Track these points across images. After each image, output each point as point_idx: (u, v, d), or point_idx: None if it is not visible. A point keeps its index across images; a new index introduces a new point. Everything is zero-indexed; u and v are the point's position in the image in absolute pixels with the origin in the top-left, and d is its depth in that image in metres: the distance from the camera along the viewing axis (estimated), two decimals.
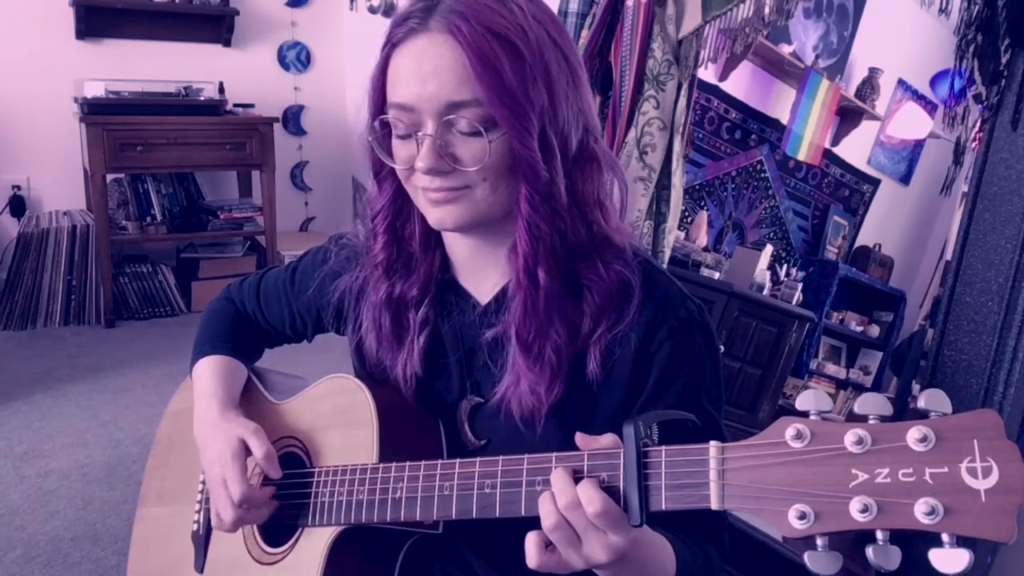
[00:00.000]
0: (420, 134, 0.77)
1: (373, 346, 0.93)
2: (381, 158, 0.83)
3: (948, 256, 2.37)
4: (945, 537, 0.54)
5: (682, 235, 2.95)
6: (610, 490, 0.67)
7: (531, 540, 0.70)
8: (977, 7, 1.27)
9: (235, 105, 3.72)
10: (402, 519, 0.80)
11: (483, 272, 0.90)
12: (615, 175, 0.87)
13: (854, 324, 3.51)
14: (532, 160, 0.77)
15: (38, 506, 2.11)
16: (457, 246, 0.89)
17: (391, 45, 0.79)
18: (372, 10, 3.67)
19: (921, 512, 0.54)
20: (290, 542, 0.91)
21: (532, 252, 0.80)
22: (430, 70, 0.76)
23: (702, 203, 3.22)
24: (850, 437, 0.57)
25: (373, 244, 0.91)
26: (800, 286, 3.04)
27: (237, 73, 3.87)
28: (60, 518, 2.06)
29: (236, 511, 0.89)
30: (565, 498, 0.67)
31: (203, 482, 1.05)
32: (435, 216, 0.81)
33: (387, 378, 0.94)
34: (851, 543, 0.58)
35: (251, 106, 3.79)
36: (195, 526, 1.03)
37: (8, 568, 1.86)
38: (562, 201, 0.80)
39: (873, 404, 0.58)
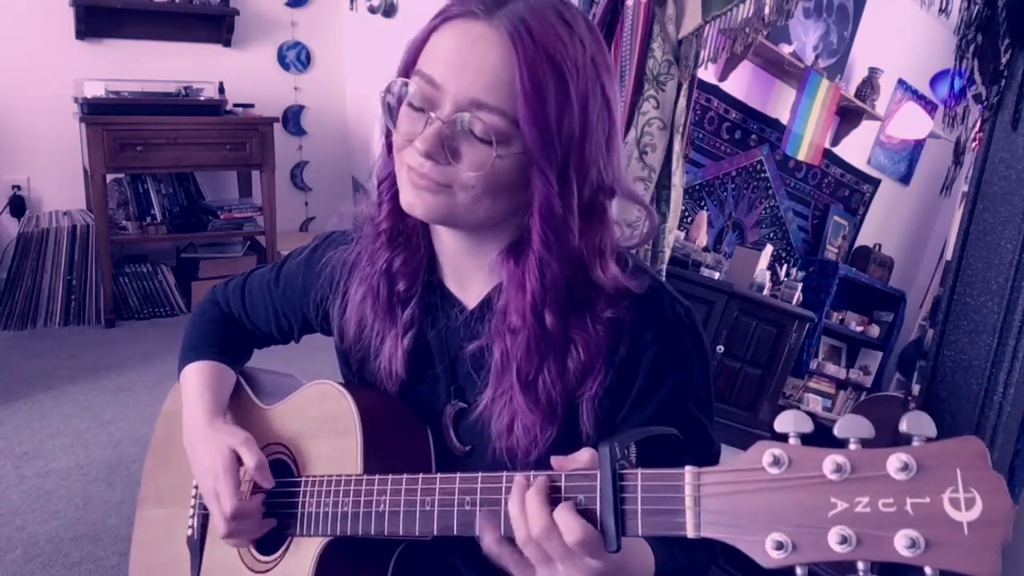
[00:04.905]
0: (433, 116, 0.75)
1: (368, 316, 0.90)
2: (385, 120, 0.81)
3: (948, 256, 2.36)
4: (928, 570, 0.52)
5: (682, 235, 2.95)
6: (586, 512, 0.65)
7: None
8: (977, 7, 1.27)
9: (235, 105, 3.72)
10: (386, 533, 0.79)
11: (468, 275, 0.88)
12: (648, 218, 0.88)
13: (854, 324, 3.51)
14: (549, 193, 0.75)
15: (38, 506, 2.11)
16: (444, 240, 0.88)
17: (444, 17, 0.77)
18: (372, 10, 3.67)
19: (902, 545, 0.52)
20: (280, 550, 0.91)
21: (542, 292, 0.78)
22: (473, 60, 0.73)
23: (702, 203, 3.22)
24: (828, 464, 0.55)
25: (378, 213, 0.88)
26: (800, 286, 3.04)
27: (237, 73, 3.87)
28: (60, 518, 2.06)
29: (230, 524, 0.89)
30: (538, 526, 0.66)
31: (196, 487, 1.04)
32: (408, 199, 0.79)
33: (370, 370, 0.92)
34: (838, 569, 0.56)
35: (251, 106, 3.79)
36: (189, 531, 1.03)
37: (8, 568, 1.86)
38: (574, 243, 0.78)
39: (853, 427, 0.56)
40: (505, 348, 0.81)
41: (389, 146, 0.85)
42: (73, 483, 2.23)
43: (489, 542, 0.70)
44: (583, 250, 0.79)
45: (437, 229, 0.87)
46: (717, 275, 2.80)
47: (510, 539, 0.70)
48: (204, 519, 1.01)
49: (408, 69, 0.79)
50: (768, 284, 2.98)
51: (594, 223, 0.80)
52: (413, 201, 0.78)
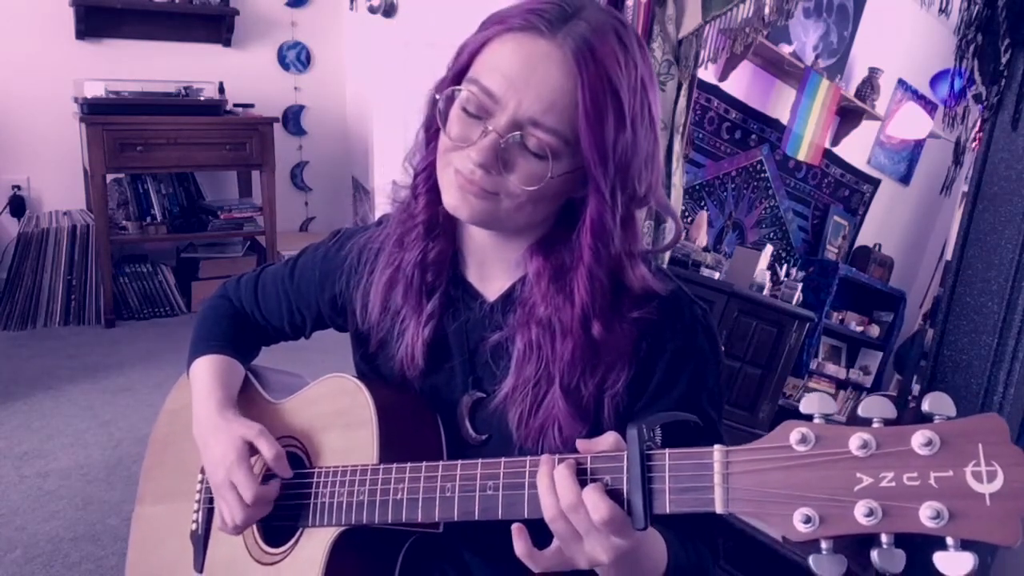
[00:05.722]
0: (489, 127, 0.76)
1: (395, 301, 0.91)
2: (438, 123, 0.81)
3: (948, 256, 2.36)
4: (950, 540, 0.54)
5: (682, 235, 2.94)
6: (613, 492, 0.67)
7: (516, 535, 0.71)
8: (977, 7, 1.27)
9: (235, 105, 3.72)
10: (403, 520, 0.80)
11: (492, 269, 0.90)
12: (675, 223, 0.91)
13: (854, 324, 3.51)
14: (602, 209, 0.78)
15: (38, 506, 2.11)
16: (472, 233, 0.89)
17: (505, 28, 0.77)
18: (372, 10, 3.67)
19: (926, 516, 0.54)
20: (290, 542, 0.91)
21: (591, 303, 0.80)
22: (536, 80, 0.75)
23: (702, 203, 3.23)
24: (855, 441, 0.57)
25: (415, 203, 0.90)
26: (800, 286, 3.05)
27: (237, 73, 3.87)
28: (60, 518, 2.06)
29: (246, 512, 0.89)
30: (567, 500, 0.68)
31: (200, 481, 1.04)
32: (453, 201, 0.80)
33: (390, 354, 0.93)
34: (854, 543, 0.58)
35: (251, 106, 3.79)
36: (193, 525, 1.03)
37: (8, 568, 1.86)
38: (614, 252, 0.80)
39: (878, 407, 0.58)
40: (530, 339, 0.83)
41: (428, 140, 0.87)
42: (73, 483, 2.23)
43: (522, 551, 0.71)
44: (621, 256, 0.81)
45: (467, 224, 0.88)
46: (717, 275, 2.80)
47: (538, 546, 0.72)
48: (209, 513, 1.02)
49: (461, 74, 0.80)
50: (768, 284, 2.98)
51: (628, 230, 0.82)
52: (458, 204, 0.80)
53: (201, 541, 1.01)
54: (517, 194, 0.78)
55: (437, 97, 0.81)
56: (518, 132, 0.75)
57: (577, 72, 0.74)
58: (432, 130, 0.85)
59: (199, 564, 1.01)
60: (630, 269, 0.82)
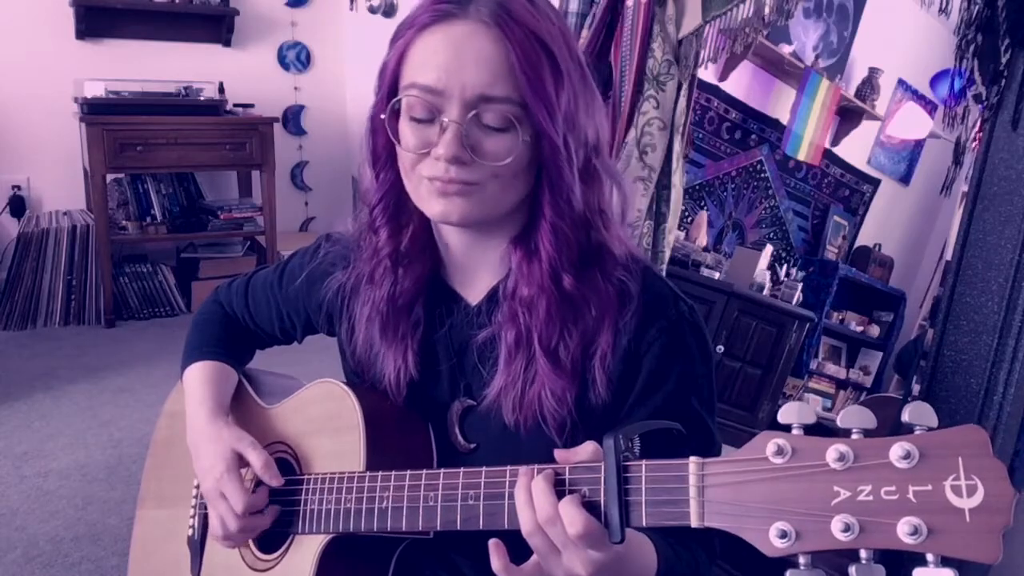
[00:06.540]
0: (445, 120, 0.75)
1: (375, 337, 0.90)
2: (393, 140, 0.80)
3: (948, 256, 2.36)
4: (929, 556, 0.52)
5: (682, 235, 2.95)
6: (591, 504, 0.66)
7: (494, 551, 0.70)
8: (977, 7, 1.27)
9: (235, 105, 3.72)
10: (388, 529, 0.80)
11: (474, 272, 0.89)
12: (617, 186, 0.87)
13: (854, 324, 3.51)
14: (559, 163, 0.77)
15: (38, 506, 2.11)
16: (452, 242, 0.88)
17: (418, 27, 0.77)
18: (372, 10, 3.67)
19: (904, 532, 0.53)
20: (282, 549, 0.91)
21: (558, 256, 0.80)
22: (471, 59, 0.74)
23: (702, 203, 3.23)
24: (832, 453, 0.56)
25: (376, 237, 0.88)
26: (800, 286, 3.04)
27: (237, 73, 3.87)
28: (60, 518, 2.06)
29: (240, 521, 0.89)
30: (544, 513, 0.67)
31: (196, 486, 1.04)
32: (440, 209, 0.79)
33: (377, 378, 0.93)
34: (839, 554, 0.57)
35: (251, 106, 3.79)
36: (190, 531, 1.03)
37: (8, 568, 1.86)
38: (578, 207, 0.80)
39: (857, 418, 0.57)
40: (519, 328, 0.82)
41: (377, 172, 0.86)
42: (73, 483, 2.23)
43: (498, 567, 0.71)
44: (586, 212, 0.81)
45: (443, 230, 0.88)
46: (717, 275, 2.80)
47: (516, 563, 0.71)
48: (205, 519, 1.01)
49: (392, 91, 0.80)
50: (768, 284, 2.98)
51: (591, 183, 0.82)
52: (445, 210, 0.79)
53: (197, 547, 1.01)
54: (498, 173, 0.77)
55: (383, 116, 0.80)
56: (473, 112, 0.75)
57: (503, 35, 0.74)
58: (381, 160, 0.85)
59: (196, 569, 1.00)
60: (603, 228, 0.82)
